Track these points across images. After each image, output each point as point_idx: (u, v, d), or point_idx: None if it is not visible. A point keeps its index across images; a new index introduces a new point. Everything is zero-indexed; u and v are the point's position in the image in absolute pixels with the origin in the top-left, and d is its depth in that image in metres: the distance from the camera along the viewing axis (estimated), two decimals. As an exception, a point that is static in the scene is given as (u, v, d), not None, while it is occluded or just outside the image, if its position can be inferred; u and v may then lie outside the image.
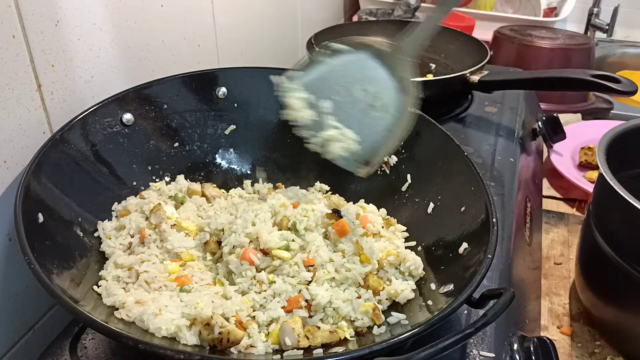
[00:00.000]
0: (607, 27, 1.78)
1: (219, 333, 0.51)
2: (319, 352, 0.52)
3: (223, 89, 0.78)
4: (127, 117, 0.70)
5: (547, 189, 1.15)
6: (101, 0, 0.70)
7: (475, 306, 0.53)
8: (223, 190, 0.75)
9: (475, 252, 0.56)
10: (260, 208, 0.63)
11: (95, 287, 0.57)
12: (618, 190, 0.66)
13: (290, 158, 0.80)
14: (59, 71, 0.66)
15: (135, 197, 0.69)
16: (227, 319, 0.53)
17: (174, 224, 0.65)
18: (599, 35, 1.85)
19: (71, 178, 0.63)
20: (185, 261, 0.62)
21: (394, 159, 0.74)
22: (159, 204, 0.66)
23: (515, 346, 0.60)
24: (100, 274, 0.59)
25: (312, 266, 0.59)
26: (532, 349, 0.60)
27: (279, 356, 0.52)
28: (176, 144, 0.76)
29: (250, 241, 0.60)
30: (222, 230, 0.63)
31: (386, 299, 0.59)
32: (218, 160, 0.79)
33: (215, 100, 0.78)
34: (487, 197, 0.61)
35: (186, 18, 0.88)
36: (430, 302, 0.56)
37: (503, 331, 0.62)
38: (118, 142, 0.70)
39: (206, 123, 0.78)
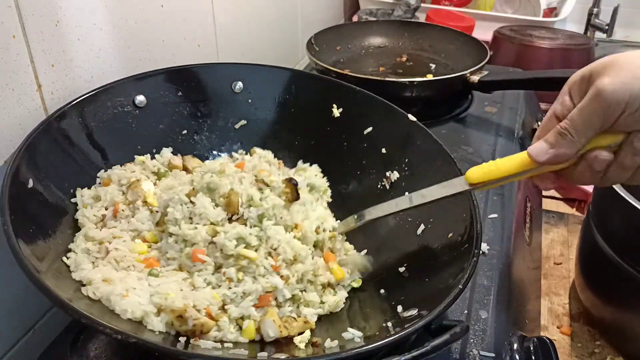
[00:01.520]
0: (607, 27, 1.78)
1: (193, 325, 0.51)
2: (263, 355, 0.51)
3: (240, 84, 0.79)
4: (140, 98, 0.71)
5: (547, 189, 1.15)
6: (101, 0, 0.70)
7: (433, 335, 0.50)
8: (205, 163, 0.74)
9: (450, 280, 0.55)
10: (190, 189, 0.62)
11: (64, 259, 0.56)
12: (618, 190, 0.66)
13: (295, 160, 0.80)
14: (59, 71, 0.66)
15: (122, 167, 0.68)
16: (198, 311, 0.53)
17: (145, 202, 0.63)
18: (599, 35, 1.85)
19: (75, 149, 0.64)
20: (150, 242, 0.61)
21: (395, 175, 0.73)
22: (138, 180, 0.65)
23: (515, 346, 0.60)
24: (69, 246, 0.58)
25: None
26: (532, 348, 0.60)
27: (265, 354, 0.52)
28: (184, 131, 0.76)
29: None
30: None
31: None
32: (223, 153, 0.79)
33: (231, 93, 0.79)
34: (475, 228, 0.59)
35: (186, 18, 0.88)
36: (390, 324, 0.55)
37: (503, 331, 0.62)
38: (127, 122, 0.70)
39: (218, 115, 0.78)
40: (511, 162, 0.54)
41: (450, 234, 0.62)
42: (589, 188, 1.06)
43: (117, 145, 0.69)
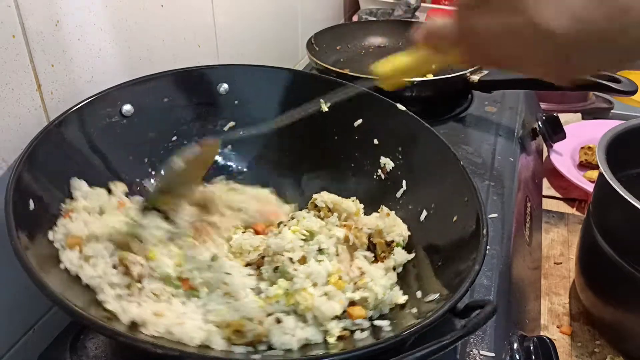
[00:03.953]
0: (607, 27, 1.78)
1: (252, 337, 0.52)
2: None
3: (225, 85, 0.78)
4: (127, 108, 0.70)
5: (547, 188, 1.15)
6: (101, 0, 0.70)
7: (460, 316, 0.51)
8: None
9: (464, 263, 0.55)
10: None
11: (107, 306, 0.53)
12: (618, 189, 0.66)
13: (287, 157, 0.80)
14: (59, 71, 0.66)
15: (64, 217, 0.59)
16: (250, 320, 0.54)
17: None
18: (599, 35, 1.85)
19: (67, 166, 0.63)
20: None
21: (390, 165, 0.74)
22: (126, 253, 0.58)
23: (515, 345, 0.60)
24: (98, 297, 0.54)
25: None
26: (532, 348, 0.60)
27: (259, 356, 0.52)
28: (174, 138, 0.75)
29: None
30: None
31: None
32: (216, 156, 0.79)
33: (216, 96, 0.78)
34: (479, 209, 0.60)
35: (186, 18, 0.88)
36: (414, 310, 0.55)
37: (503, 330, 0.62)
38: (116, 132, 0.69)
39: (206, 118, 0.78)
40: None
41: (455, 218, 0.62)
42: (589, 187, 1.06)
43: (109, 158, 0.68)
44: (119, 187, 0.68)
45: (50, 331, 0.63)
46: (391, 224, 0.66)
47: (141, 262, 0.58)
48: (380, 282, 0.59)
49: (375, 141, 0.75)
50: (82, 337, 0.58)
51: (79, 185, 0.64)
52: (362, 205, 0.71)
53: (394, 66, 0.56)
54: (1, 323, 0.63)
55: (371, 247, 0.65)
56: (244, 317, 0.53)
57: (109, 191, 0.67)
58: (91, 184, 0.65)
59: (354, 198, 0.71)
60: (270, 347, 0.53)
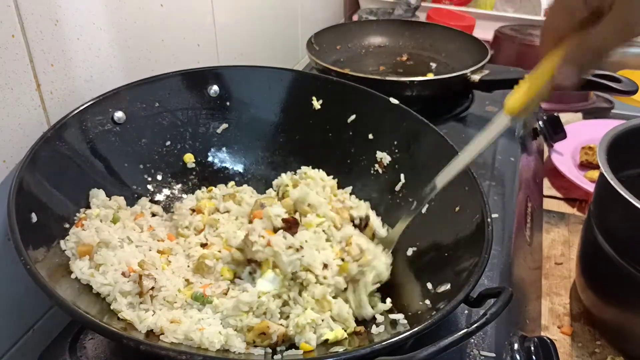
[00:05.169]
0: (607, 27, 1.78)
1: (277, 337, 0.52)
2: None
3: (215, 87, 0.78)
4: (119, 115, 0.70)
5: (547, 188, 1.15)
6: (101, 0, 0.70)
7: (473, 305, 0.53)
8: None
9: (471, 252, 0.56)
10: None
11: (123, 315, 0.54)
12: (619, 190, 0.66)
13: (282, 157, 0.80)
14: (58, 71, 0.66)
15: (77, 227, 0.61)
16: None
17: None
18: (600, 34, 1.85)
19: (64, 175, 0.63)
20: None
21: (387, 159, 0.74)
22: (143, 262, 0.59)
23: (516, 346, 0.60)
24: (112, 307, 0.55)
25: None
26: (532, 348, 0.60)
27: (279, 356, 0.53)
28: (168, 143, 0.75)
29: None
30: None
31: None
32: (210, 159, 0.79)
33: (207, 98, 0.78)
34: (480, 197, 0.60)
35: (186, 18, 0.88)
36: (427, 302, 0.56)
37: (503, 331, 0.62)
38: (110, 140, 0.69)
39: (198, 122, 0.78)
40: (540, 73, 0.53)
41: (457, 208, 0.63)
42: (590, 187, 1.06)
43: (104, 164, 0.68)
44: (144, 200, 0.70)
45: (50, 331, 0.63)
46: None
47: (154, 276, 0.58)
48: (382, 259, 0.60)
49: (370, 136, 0.76)
50: (81, 337, 0.58)
51: (97, 194, 0.65)
52: (335, 180, 0.73)
53: (527, 94, 0.55)
54: (1, 323, 0.63)
55: (354, 223, 0.66)
56: (269, 321, 0.54)
57: (132, 200, 0.69)
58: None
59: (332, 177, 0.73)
60: (288, 347, 0.54)
